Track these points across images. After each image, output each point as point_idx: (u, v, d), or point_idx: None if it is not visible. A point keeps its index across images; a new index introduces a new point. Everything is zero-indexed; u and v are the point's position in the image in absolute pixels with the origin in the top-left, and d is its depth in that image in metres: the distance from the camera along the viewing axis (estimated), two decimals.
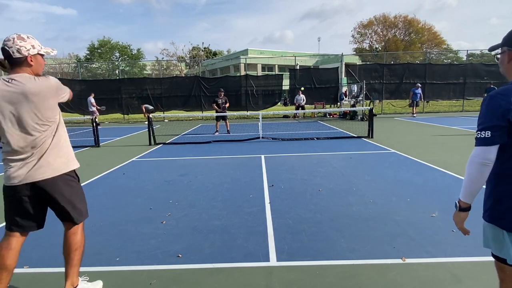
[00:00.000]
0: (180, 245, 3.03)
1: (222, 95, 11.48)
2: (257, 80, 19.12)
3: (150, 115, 9.79)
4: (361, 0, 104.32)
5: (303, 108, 17.59)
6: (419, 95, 16.27)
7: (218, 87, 18.36)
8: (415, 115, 16.69)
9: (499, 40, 1.53)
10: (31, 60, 1.93)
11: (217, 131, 11.50)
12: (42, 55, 2.00)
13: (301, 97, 17.55)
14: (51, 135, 2.00)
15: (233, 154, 7.55)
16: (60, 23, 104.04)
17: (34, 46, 1.94)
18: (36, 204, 2.04)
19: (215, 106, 11.40)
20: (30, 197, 2.00)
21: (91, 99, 16.02)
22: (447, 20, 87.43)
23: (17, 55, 1.88)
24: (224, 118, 11.54)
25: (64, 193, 2.04)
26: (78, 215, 2.15)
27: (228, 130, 11.66)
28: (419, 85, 16.55)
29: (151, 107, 16.89)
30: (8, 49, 1.87)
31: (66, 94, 2.15)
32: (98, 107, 15.93)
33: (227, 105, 11.64)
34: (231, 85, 18.24)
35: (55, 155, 2.01)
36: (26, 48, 1.90)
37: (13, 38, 1.88)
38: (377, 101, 19.51)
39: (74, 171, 2.16)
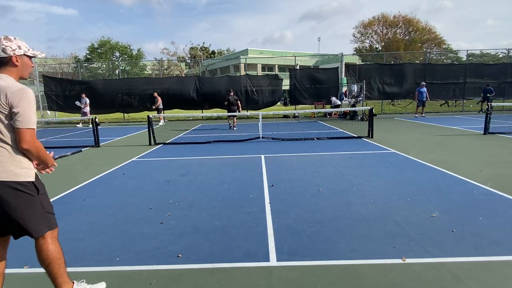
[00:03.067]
0: (180, 245, 3.03)
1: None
2: (257, 80, 19.11)
3: (151, 115, 9.77)
4: (359, 0, 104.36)
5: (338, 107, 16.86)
6: (425, 94, 15.88)
7: (218, 87, 18.51)
8: (424, 115, 16.47)
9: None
10: (17, 61, 1.94)
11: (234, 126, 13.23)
12: (29, 57, 2.02)
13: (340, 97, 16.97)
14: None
15: (233, 154, 7.55)
16: (61, 23, 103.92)
17: (21, 47, 1.95)
18: None
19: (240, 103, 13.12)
20: None
21: (86, 100, 16.20)
22: (444, 21, 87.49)
23: (2, 54, 1.90)
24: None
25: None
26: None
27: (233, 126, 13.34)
28: (424, 83, 16.19)
29: (161, 106, 16.60)
30: None
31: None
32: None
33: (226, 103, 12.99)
34: (231, 85, 18.22)
35: None
36: (11, 48, 1.91)
37: (0, 39, 1.91)
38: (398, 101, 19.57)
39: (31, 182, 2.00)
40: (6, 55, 1.90)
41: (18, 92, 1.85)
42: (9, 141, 1.90)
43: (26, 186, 1.95)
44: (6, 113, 1.85)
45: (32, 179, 1.99)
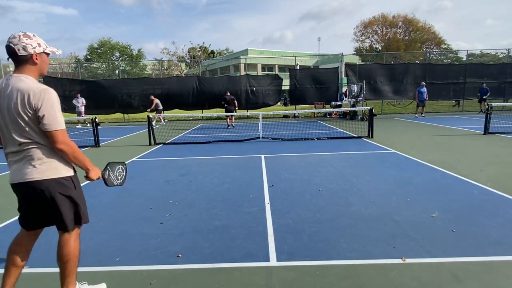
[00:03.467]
0: (180, 245, 3.03)
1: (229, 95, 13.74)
2: (257, 80, 19.12)
3: (151, 115, 9.77)
4: (359, 1, 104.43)
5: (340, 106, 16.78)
6: (425, 94, 15.86)
7: (218, 87, 18.52)
8: (424, 115, 16.49)
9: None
10: (36, 58, 1.91)
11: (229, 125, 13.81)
12: (47, 54, 1.99)
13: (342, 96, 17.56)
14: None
15: (233, 154, 7.55)
16: (61, 23, 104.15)
17: (40, 44, 1.92)
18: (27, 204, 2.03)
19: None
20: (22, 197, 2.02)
21: (82, 100, 16.24)
22: (444, 21, 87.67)
23: (22, 52, 1.86)
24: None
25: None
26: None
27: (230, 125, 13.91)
28: (424, 83, 16.19)
29: (160, 107, 16.31)
30: (13, 46, 1.84)
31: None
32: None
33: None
34: (231, 85, 18.22)
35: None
36: (32, 46, 1.87)
37: (19, 36, 1.86)
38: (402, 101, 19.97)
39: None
40: (26, 53, 1.87)
41: (39, 94, 1.82)
42: (43, 142, 1.91)
43: (67, 181, 2.02)
44: (31, 116, 1.84)
45: (72, 174, 2.06)
